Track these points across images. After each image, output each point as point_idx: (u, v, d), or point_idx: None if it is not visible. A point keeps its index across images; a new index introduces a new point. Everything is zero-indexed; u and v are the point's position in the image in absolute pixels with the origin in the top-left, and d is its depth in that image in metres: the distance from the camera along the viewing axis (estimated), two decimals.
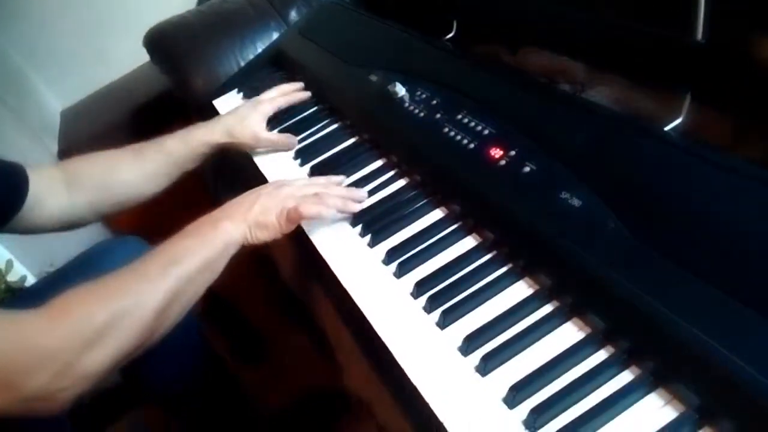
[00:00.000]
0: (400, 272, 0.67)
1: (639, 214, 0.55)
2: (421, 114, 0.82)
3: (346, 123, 0.96)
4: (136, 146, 0.90)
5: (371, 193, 0.80)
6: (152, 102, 1.69)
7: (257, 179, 0.92)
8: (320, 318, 0.84)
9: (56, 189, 0.83)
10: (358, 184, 0.82)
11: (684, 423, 0.46)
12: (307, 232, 0.76)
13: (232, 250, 0.71)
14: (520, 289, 0.60)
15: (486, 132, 0.73)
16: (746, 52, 0.55)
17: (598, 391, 0.50)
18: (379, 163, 0.85)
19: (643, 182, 0.57)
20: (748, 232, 0.49)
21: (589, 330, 0.54)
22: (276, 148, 0.95)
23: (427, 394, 0.54)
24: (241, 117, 0.94)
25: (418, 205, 0.74)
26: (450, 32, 0.98)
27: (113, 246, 0.92)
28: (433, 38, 0.98)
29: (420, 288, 0.64)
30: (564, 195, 0.60)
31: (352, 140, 0.92)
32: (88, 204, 0.86)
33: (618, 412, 0.48)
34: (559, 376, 0.52)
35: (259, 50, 1.31)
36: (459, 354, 0.57)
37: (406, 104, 0.85)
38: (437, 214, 0.73)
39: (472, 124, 0.75)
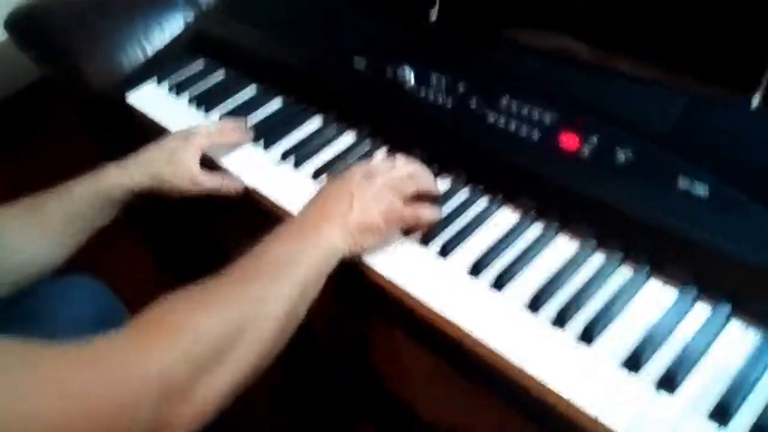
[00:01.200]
0: (498, 284, 0.58)
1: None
2: (449, 103, 0.73)
3: (332, 116, 0.83)
4: (29, 199, 0.68)
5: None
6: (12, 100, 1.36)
7: None
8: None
9: None
10: None
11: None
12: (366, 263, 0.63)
13: (335, 262, 0.58)
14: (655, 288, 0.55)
15: (547, 119, 0.66)
16: None
17: None
18: None
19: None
20: None
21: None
22: (218, 193, 0.76)
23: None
24: (169, 154, 0.74)
25: (485, 206, 0.65)
26: (432, 15, 0.89)
27: (62, 289, 0.69)
28: (417, 20, 0.88)
29: (537, 301, 0.55)
30: (684, 181, 0.56)
31: (351, 136, 0.80)
32: None
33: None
34: None
35: (168, 34, 1.10)
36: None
37: (423, 93, 0.75)
38: (510, 214, 0.65)
39: (525, 111, 0.68)
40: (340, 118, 0.82)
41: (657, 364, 0.49)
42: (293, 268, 0.54)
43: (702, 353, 0.49)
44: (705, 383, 0.47)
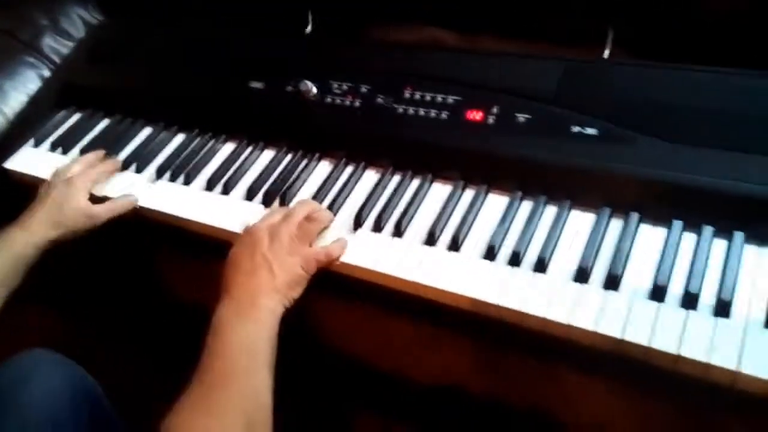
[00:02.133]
0: (453, 246, 0.67)
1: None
2: (356, 104, 0.81)
3: (243, 141, 0.87)
4: None
5: (342, 193, 0.76)
6: None
7: None
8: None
9: None
10: (319, 194, 0.77)
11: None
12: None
13: (278, 322, 0.63)
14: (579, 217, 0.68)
15: (450, 100, 0.76)
16: None
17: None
18: (326, 166, 0.81)
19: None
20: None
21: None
22: (116, 214, 0.80)
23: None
24: (59, 203, 0.79)
25: (417, 186, 0.74)
26: (307, 25, 0.96)
27: (23, 371, 0.66)
28: (293, 34, 0.95)
29: (492, 250, 0.65)
30: (575, 128, 0.69)
31: (271, 155, 0.84)
32: None
33: None
34: None
35: (24, 95, 1.05)
36: None
37: (329, 100, 0.82)
38: (441, 188, 0.74)
39: (428, 97, 0.77)
40: (251, 140, 0.86)
41: (599, 270, 0.61)
42: (257, 354, 0.59)
43: (627, 253, 0.62)
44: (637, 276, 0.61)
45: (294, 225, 0.69)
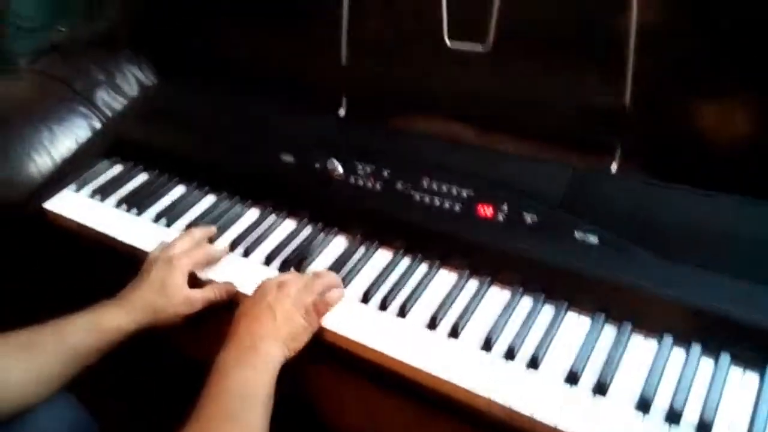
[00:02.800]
0: (453, 333, 0.70)
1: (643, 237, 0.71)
2: (377, 187, 0.86)
3: (268, 208, 0.92)
4: (23, 336, 0.68)
5: (355, 269, 0.80)
6: None
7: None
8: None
9: None
10: (333, 267, 0.81)
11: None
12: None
13: (277, 371, 0.66)
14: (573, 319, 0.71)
15: (463, 194, 0.81)
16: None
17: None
18: (342, 241, 0.86)
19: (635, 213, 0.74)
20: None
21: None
22: (214, 300, 0.79)
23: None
24: (159, 285, 0.76)
25: (426, 271, 0.78)
26: (340, 109, 1.03)
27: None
28: (327, 116, 1.01)
29: (489, 342, 0.69)
30: (579, 234, 0.73)
31: (293, 224, 0.89)
32: None
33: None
34: None
35: (75, 141, 1.13)
36: None
37: (353, 180, 0.88)
38: (448, 275, 0.78)
39: (443, 188, 0.83)
40: (276, 208, 0.92)
41: (591, 374, 0.64)
42: (252, 398, 0.62)
43: (618, 362, 0.65)
44: (629, 384, 0.63)
45: (302, 281, 0.74)
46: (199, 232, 0.86)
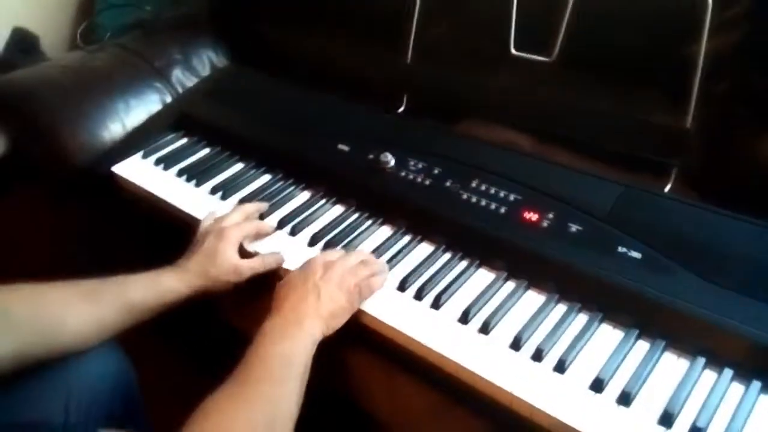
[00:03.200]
0: (484, 329, 0.71)
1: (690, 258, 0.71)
2: (426, 182, 0.88)
3: (319, 193, 0.95)
4: (88, 285, 0.73)
5: (395, 258, 0.82)
6: None
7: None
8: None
9: None
10: (374, 254, 0.83)
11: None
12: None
13: (315, 348, 0.70)
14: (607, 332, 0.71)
15: (511, 198, 0.83)
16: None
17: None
18: (386, 230, 0.88)
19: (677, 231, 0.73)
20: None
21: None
22: (262, 271, 0.82)
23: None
24: (210, 253, 0.80)
25: (464, 267, 0.80)
26: (401, 106, 1.06)
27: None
28: (388, 111, 1.04)
29: (518, 342, 0.69)
30: (622, 249, 0.73)
31: (340, 210, 0.92)
32: (13, 353, 0.66)
33: None
34: None
35: (146, 112, 1.19)
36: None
37: (403, 174, 0.90)
38: (486, 274, 0.79)
39: (492, 190, 0.84)
40: (326, 193, 0.95)
41: (616, 385, 0.64)
42: (292, 366, 0.65)
43: (647, 377, 0.65)
44: (655, 399, 0.63)
45: (348, 264, 0.76)
46: (252, 207, 0.90)
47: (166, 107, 1.19)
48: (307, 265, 0.77)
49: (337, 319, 0.73)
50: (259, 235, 0.87)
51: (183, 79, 1.26)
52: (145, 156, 1.08)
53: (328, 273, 0.74)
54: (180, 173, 1.03)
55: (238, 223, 0.85)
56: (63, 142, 1.09)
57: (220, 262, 0.80)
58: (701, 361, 0.65)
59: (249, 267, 0.81)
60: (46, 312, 0.69)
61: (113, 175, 1.05)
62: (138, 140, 1.12)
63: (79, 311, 0.71)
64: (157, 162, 1.06)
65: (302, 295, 0.72)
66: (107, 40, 1.29)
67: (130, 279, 0.76)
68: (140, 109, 1.19)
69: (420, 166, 0.90)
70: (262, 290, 0.80)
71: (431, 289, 0.77)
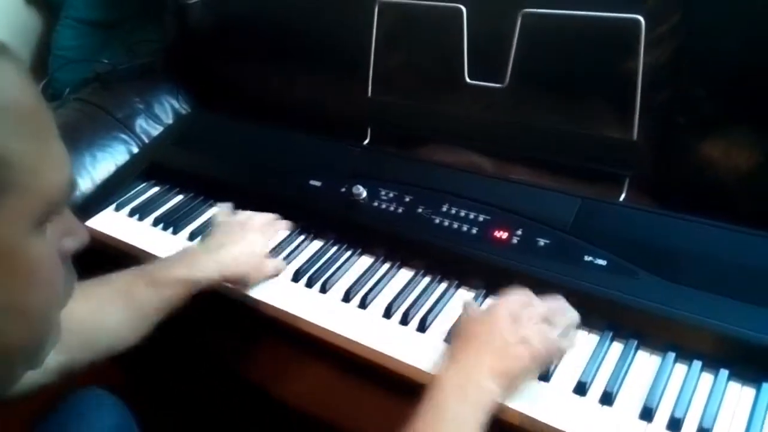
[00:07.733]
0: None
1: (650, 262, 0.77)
2: (399, 211, 0.92)
3: (296, 229, 0.98)
4: (119, 281, 0.74)
5: (377, 286, 0.86)
6: None
7: None
8: None
9: None
10: (356, 284, 0.87)
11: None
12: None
13: (492, 410, 0.62)
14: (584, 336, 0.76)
15: (480, 219, 0.87)
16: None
17: None
18: (366, 260, 0.91)
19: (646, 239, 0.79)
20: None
21: None
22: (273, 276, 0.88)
23: None
24: (250, 250, 0.85)
25: (444, 289, 0.84)
26: (366, 138, 1.10)
27: (80, 406, 0.74)
28: (353, 144, 1.08)
29: None
30: (588, 258, 0.79)
31: (319, 244, 0.95)
32: (60, 363, 0.66)
33: None
34: None
35: (113, 165, 1.21)
36: None
37: (376, 204, 0.94)
38: (465, 294, 0.84)
39: (462, 213, 0.89)
40: (303, 230, 0.98)
41: (598, 386, 0.69)
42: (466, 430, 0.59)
43: (624, 376, 0.70)
44: (632, 393, 0.68)
45: (537, 313, 0.68)
46: (271, 215, 0.95)
47: (134, 157, 1.21)
48: (493, 312, 0.69)
49: (521, 380, 0.65)
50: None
51: (147, 127, 1.28)
52: (117, 208, 1.09)
53: (515, 326, 0.65)
54: (156, 222, 1.04)
55: (268, 225, 0.93)
56: None
57: (256, 258, 0.85)
58: (672, 355, 0.71)
59: (273, 267, 0.86)
60: (88, 318, 0.69)
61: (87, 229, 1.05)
62: (108, 193, 1.13)
63: (117, 310, 0.72)
64: (131, 213, 1.07)
65: (485, 347, 0.65)
66: (67, 96, 1.30)
67: (163, 267, 0.77)
68: (107, 161, 1.21)
69: (391, 195, 0.94)
70: (274, 340, 0.82)
71: (415, 313, 0.81)
